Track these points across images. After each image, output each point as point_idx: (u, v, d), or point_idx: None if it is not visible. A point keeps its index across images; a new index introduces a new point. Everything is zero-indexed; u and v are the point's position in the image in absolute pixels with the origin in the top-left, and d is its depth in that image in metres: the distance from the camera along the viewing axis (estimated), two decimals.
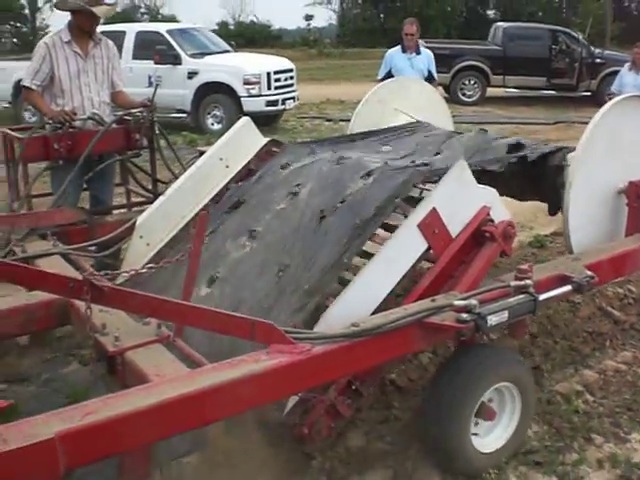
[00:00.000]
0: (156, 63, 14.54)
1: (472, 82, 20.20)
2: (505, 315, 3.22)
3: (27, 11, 41.82)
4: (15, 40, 40.54)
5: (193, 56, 14.95)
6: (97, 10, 5.14)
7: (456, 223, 3.56)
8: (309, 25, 44.83)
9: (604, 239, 4.29)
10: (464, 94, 20.09)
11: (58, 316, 3.58)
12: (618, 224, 4.35)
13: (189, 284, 3.20)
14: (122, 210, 5.41)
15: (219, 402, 2.56)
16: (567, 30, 22.04)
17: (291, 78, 15.64)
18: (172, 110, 14.66)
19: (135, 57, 14.92)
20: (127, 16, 37.65)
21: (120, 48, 14.31)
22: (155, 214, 4.49)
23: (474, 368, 3.47)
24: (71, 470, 2.31)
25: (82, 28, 5.26)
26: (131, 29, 15.69)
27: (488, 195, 3.71)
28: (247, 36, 36.41)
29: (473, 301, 3.13)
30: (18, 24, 42.25)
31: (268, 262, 3.73)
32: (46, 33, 23.69)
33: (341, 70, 29.29)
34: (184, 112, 14.82)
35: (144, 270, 3.43)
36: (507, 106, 19.53)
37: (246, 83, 14.37)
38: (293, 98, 15.51)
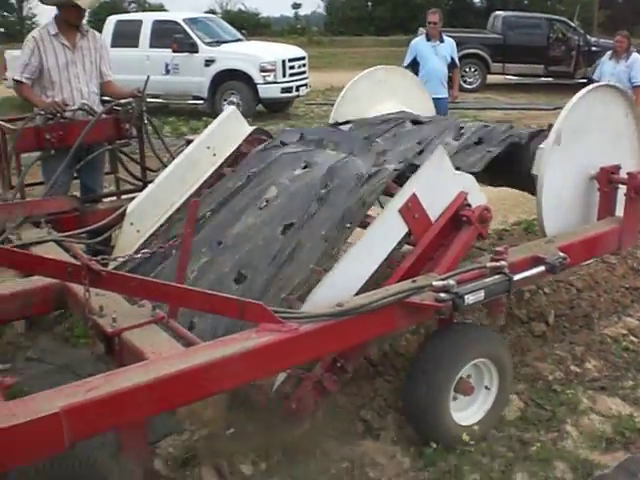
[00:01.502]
0: (174, 51, 15.04)
1: (473, 70, 20.71)
2: (482, 294, 3.38)
3: (13, 0, 41.82)
4: (2, 29, 40.49)
5: (209, 44, 15.43)
6: (81, 2, 5.23)
7: (435, 208, 3.73)
8: (297, 13, 44.70)
9: (577, 223, 4.47)
10: (465, 81, 20.45)
11: (55, 300, 3.72)
12: (591, 208, 4.53)
13: (182, 268, 3.36)
14: (112, 198, 5.53)
15: (213, 377, 2.72)
16: (564, 19, 22.66)
17: (303, 66, 16.14)
18: (189, 97, 15.30)
19: (152, 45, 15.42)
20: (115, 6, 37.49)
21: (137, 37, 15.10)
22: (145, 201, 4.61)
23: (452, 345, 3.66)
24: (74, 443, 2.46)
25: (69, 21, 5.37)
26: (148, 18, 16.19)
27: (465, 181, 3.89)
28: (236, 24, 36.27)
29: (451, 281, 3.29)
30: (5, 13, 42.21)
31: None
32: (33, 22, 23.73)
33: (334, 58, 29.28)
34: (201, 99, 15.26)
35: (139, 255, 3.58)
36: (507, 93, 20.14)
37: (262, 70, 14.85)
38: (305, 85, 16.02)
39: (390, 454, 3.72)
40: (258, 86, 14.84)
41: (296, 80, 15.55)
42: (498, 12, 23.38)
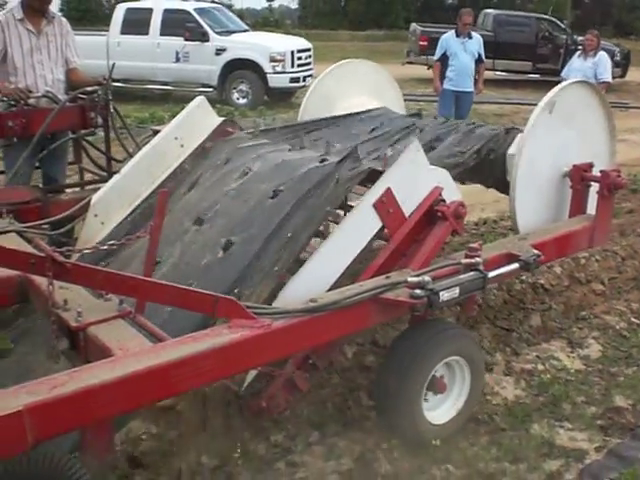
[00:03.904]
0: (185, 39, 15.30)
1: None
2: (456, 291, 3.35)
3: None
4: None
5: (219, 34, 15.70)
6: None
7: (409, 203, 3.67)
8: (270, 6, 44.46)
9: (550, 220, 4.46)
10: None
11: (17, 293, 3.58)
12: (563, 206, 4.52)
13: (150, 260, 3.24)
14: (76, 189, 5.38)
15: (183, 374, 2.62)
16: (552, 18, 23.37)
17: (309, 57, 16.58)
18: (197, 85, 15.43)
19: (162, 33, 15.57)
20: None
21: (147, 24, 15.28)
22: (110, 193, 4.47)
23: (425, 343, 3.60)
24: (39, 442, 2.36)
25: (32, 6, 5.23)
26: (158, 7, 16.20)
27: (440, 176, 3.83)
28: None
29: (426, 277, 3.24)
30: None
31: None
32: (1, 6, 23.23)
33: (315, 52, 29.39)
34: (209, 86, 15.41)
35: (105, 247, 3.46)
36: (496, 88, 20.41)
37: (272, 60, 15.30)
38: (311, 75, 16.22)
39: (503, 384, 4.43)
40: (268, 75, 15.26)
41: (303, 71, 16.02)
42: (488, 10, 24.02)
